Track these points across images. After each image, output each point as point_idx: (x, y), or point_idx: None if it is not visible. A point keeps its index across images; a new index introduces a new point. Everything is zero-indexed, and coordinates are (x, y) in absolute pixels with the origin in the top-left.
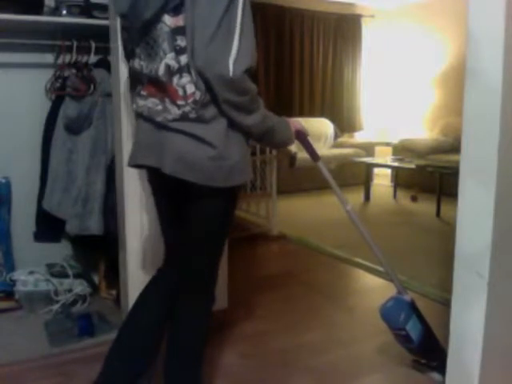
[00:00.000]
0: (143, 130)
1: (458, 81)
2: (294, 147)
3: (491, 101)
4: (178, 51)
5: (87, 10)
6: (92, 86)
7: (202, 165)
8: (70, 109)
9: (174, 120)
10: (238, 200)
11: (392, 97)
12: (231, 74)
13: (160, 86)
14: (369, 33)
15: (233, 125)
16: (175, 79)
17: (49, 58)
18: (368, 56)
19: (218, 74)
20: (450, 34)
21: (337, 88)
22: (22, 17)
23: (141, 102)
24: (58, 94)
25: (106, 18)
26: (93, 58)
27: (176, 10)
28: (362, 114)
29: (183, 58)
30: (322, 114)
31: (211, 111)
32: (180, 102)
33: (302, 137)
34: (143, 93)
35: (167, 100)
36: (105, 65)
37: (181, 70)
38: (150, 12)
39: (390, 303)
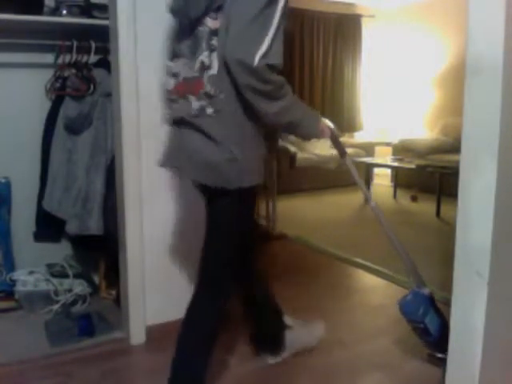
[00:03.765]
0: (172, 134)
1: (458, 81)
2: (294, 147)
3: (491, 101)
4: (212, 50)
5: (87, 10)
6: (92, 86)
7: (213, 166)
8: (69, 109)
9: (194, 116)
10: (254, 202)
11: (392, 97)
12: (255, 63)
13: (189, 83)
14: (369, 33)
15: (249, 124)
16: (205, 74)
17: (49, 58)
18: (368, 56)
19: (240, 59)
20: (450, 33)
21: (337, 88)
22: (22, 17)
23: (175, 106)
24: (58, 94)
25: (106, 18)
26: (93, 58)
27: (217, 13)
28: (361, 113)
29: (214, 55)
30: (322, 114)
31: (229, 108)
32: (201, 91)
33: (332, 134)
34: (173, 97)
35: (190, 96)
36: (105, 65)
37: (210, 67)
38: (196, 12)
39: (409, 297)
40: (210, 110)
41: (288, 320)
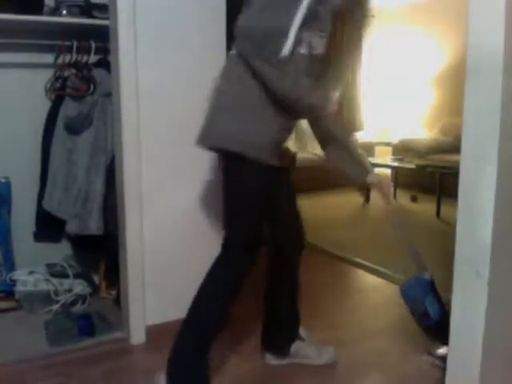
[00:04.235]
0: None
1: (457, 80)
2: (295, 147)
3: (491, 100)
4: None
5: (87, 10)
6: (92, 86)
7: (214, 130)
8: (69, 109)
9: (214, 90)
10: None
11: (392, 97)
12: (284, 53)
13: None
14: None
15: (258, 97)
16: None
17: (49, 58)
18: (368, 56)
19: (243, 26)
20: (449, 34)
21: None
22: (22, 17)
23: None
24: (58, 94)
25: (106, 18)
26: (93, 58)
27: None
28: (362, 113)
29: None
30: None
31: (237, 77)
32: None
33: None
34: None
35: None
36: (105, 65)
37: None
38: None
39: (411, 280)
40: (222, 81)
41: (303, 332)
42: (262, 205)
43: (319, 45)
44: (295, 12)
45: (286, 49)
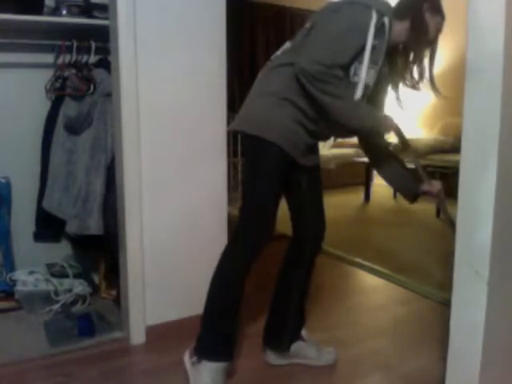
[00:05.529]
0: None
1: (457, 80)
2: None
3: (491, 100)
4: None
5: (87, 10)
6: (92, 86)
7: (238, 115)
8: (69, 109)
9: None
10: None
11: (391, 96)
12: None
13: None
14: None
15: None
16: None
17: (49, 58)
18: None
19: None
20: (449, 33)
21: None
22: (22, 17)
23: None
24: (58, 94)
25: (106, 18)
26: (93, 58)
27: None
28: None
29: None
30: None
31: (277, 63)
32: None
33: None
34: None
35: None
36: (105, 65)
37: None
38: None
39: None
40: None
41: (304, 333)
42: (269, 188)
43: (370, 76)
44: (362, 51)
45: (358, 94)
